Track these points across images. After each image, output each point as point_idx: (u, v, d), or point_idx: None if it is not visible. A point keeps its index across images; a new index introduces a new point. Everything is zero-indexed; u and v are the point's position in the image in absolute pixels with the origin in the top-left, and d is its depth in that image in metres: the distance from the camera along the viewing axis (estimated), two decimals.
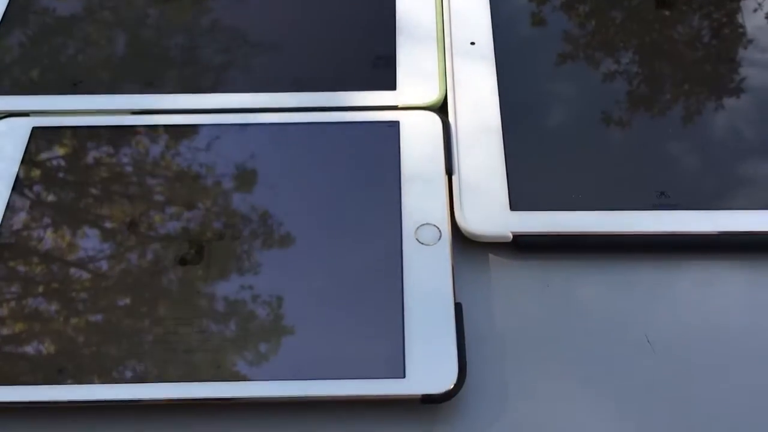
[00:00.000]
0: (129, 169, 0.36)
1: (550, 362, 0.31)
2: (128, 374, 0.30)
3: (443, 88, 0.38)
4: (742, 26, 0.40)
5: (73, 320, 0.31)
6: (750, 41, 0.40)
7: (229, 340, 0.30)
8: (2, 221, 0.34)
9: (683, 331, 0.32)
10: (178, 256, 0.33)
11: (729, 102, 0.37)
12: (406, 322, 0.30)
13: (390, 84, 0.39)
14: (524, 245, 0.34)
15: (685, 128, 0.36)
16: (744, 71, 0.39)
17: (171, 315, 0.31)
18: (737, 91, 0.38)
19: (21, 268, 0.33)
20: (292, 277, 0.32)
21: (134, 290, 0.32)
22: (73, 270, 0.33)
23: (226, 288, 0.32)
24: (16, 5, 0.42)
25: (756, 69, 0.39)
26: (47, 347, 0.30)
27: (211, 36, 0.41)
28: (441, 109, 0.38)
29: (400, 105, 0.38)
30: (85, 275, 0.32)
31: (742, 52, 0.39)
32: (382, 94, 0.38)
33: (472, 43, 0.40)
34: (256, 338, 0.30)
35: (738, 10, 0.41)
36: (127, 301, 0.32)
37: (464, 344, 0.30)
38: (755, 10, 0.41)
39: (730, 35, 0.40)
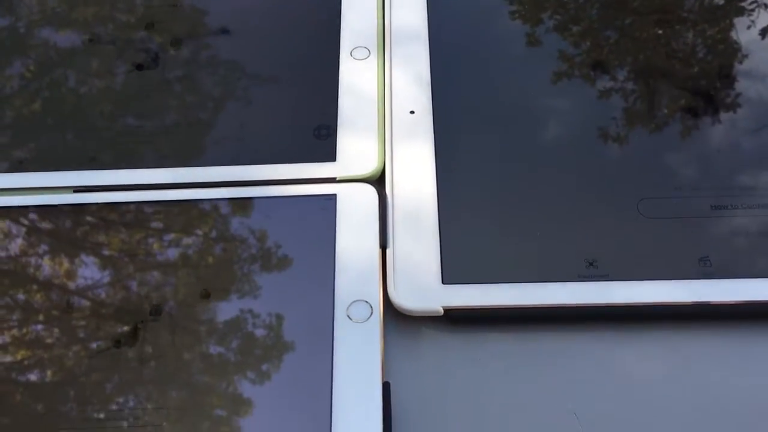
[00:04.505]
0: (71, 247, 0.36)
1: None
2: None
3: (382, 158, 0.39)
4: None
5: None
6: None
7: (156, 427, 0.31)
8: None
9: (611, 405, 0.32)
10: (113, 336, 0.33)
11: (651, 172, 0.38)
12: (333, 404, 0.31)
13: (330, 155, 0.39)
14: (455, 319, 0.34)
15: (613, 198, 0.37)
16: (668, 135, 0.39)
17: (98, 399, 0.31)
18: (656, 163, 0.38)
19: None
20: (223, 356, 0.33)
21: (66, 371, 0.32)
22: (15, 349, 0.33)
23: (158, 368, 0.32)
24: None
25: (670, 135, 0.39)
26: None
27: (151, 110, 0.41)
28: (380, 179, 0.39)
29: (338, 177, 0.38)
30: (25, 355, 0.33)
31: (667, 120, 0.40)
32: (322, 165, 0.39)
33: (412, 112, 0.41)
34: (181, 422, 0.31)
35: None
36: (57, 382, 0.32)
37: (390, 425, 0.30)
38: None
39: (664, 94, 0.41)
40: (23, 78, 0.43)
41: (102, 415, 0.31)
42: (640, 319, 0.34)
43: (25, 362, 0.33)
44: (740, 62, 0.42)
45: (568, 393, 0.32)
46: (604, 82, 0.41)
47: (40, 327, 0.34)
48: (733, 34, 0.43)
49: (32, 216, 0.37)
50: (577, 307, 0.34)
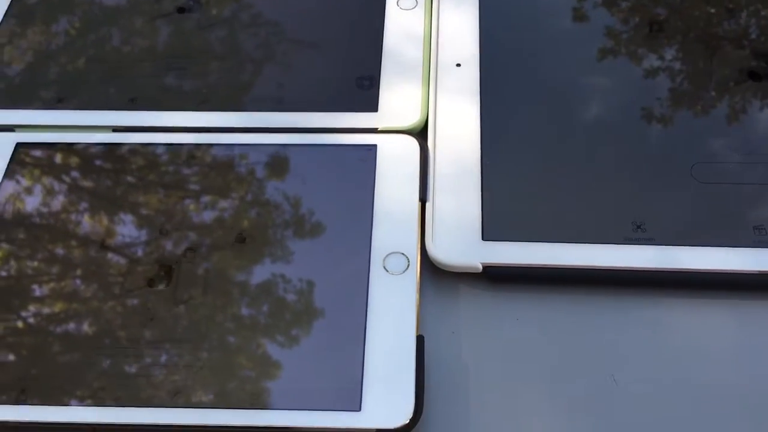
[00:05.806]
0: (107, 187, 0.36)
1: (513, 398, 0.31)
2: (88, 397, 0.30)
3: (425, 110, 0.38)
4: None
5: (39, 339, 0.31)
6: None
7: (187, 367, 0.30)
8: None
9: (650, 370, 0.31)
10: (147, 277, 0.33)
11: (708, 136, 0.36)
12: (366, 354, 0.30)
13: (372, 106, 0.38)
14: (494, 276, 0.33)
15: (665, 161, 0.35)
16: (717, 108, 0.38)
17: (131, 337, 0.31)
18: (713, 127, 0.37)
19: None
20: (256, 301, 0.32)
21: (103, 310, 0.32)
22: (49, 287, 0.33)
23: (191, 312, 0.32)
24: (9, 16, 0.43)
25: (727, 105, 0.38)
26: (7, 368, 0.31)
27: (193, 54, 0.41)
28: (422, 132, 0.38)
29: (380, 128, 0.37)
30: (60, 292, 0.33)
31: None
32: (363, 115, 0.38)
33: (458, 65, 0.40)
34: (213, 365, 0.30)
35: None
36: (94, 321, 0.32)
37: (423, 379, 0.30)
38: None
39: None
40: (67, 20, 0.43)
41: (132, 353, 0.31)
42: (686, 285, 0.33)
43: (57, 301, 0.33)
44: None
45: (606, 357, 0.31)
46: (660, 42, 0.40)
47: (73, 266, 0.34)
48: None
49: (70, 154, 0.37)
50: (621, 270, 0.33)
